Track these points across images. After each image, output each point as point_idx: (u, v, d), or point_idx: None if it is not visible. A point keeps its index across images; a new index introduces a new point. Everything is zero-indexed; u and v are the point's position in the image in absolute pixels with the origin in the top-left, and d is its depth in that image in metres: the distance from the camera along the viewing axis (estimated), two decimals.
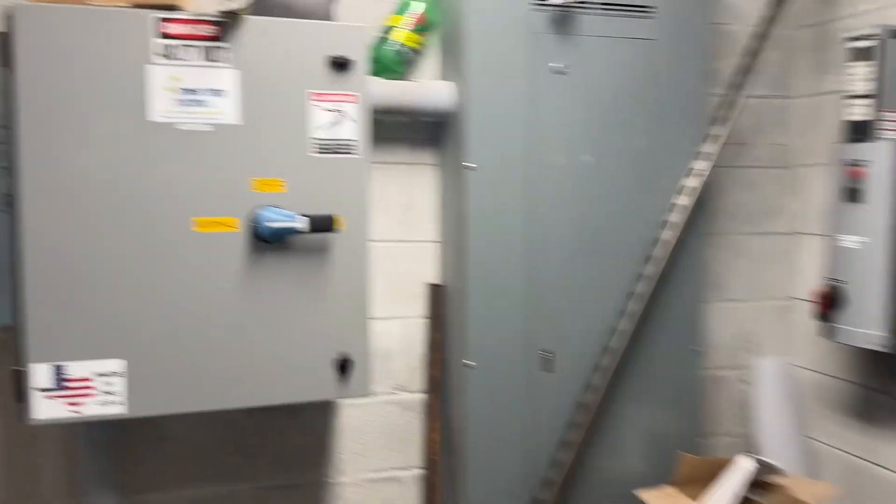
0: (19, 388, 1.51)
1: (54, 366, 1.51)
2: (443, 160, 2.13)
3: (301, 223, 1.57)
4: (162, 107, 1.54)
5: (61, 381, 1.51)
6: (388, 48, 1.99)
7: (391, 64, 2.00)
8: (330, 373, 1.67)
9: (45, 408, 1.51)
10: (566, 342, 2.03)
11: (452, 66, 2.04)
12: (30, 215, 1.47)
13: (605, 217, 2.06)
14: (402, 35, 2.00)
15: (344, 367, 1.67)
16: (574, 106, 2.00)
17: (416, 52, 2.04)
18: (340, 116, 1.64)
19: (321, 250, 1.65)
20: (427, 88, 2.01)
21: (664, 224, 2.07)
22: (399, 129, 2.12)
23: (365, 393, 1.73)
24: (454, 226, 2.05)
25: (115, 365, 1.54)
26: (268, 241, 1.60)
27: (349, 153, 1.66)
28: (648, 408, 2.12)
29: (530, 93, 1.96)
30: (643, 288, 2.04)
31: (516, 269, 2.00)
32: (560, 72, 1.97)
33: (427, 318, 2.17)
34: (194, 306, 1.58)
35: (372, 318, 2.03)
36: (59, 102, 1.48)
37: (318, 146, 1.63)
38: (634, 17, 2.02)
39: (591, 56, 2.00)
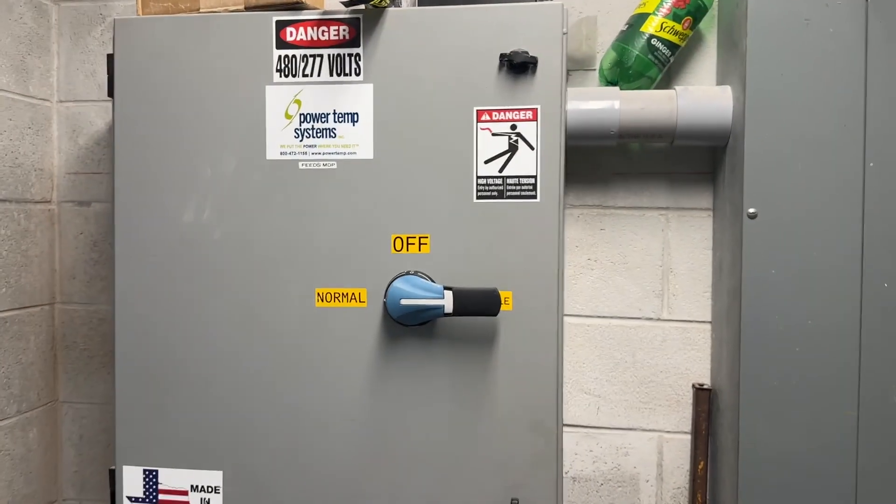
0: (112, 492, 1.22)
1: (146, 471, 1.20)
2: (719, 203, 1.45)
3: (447, 301, 1.06)
4: (281, 140, 1.15)
5: (153, 491, 1.19)
6: (634, 45, 1.40)
7: (639, 65, 1.40)
8: None
9: None
10: None
11: (733, 64, 1.37)
12: (123, 284, 1.18)
13: None
14: (655, 24, 1.39)
15: None
16: None
17: (674, 48, 1.41)
18: (515, 142, 1.10)
19: (484, 337, 1.12)
20: (688, 98, 1.36)
21: None
22: (654, 159, 1.50)
23: None
24: (728, 301, 1.36)
25: (214, 478, 1.18)
26: (403, 323, 1.12)
27: (526, 196, 1.10)
28: None
29: (862, 90, 1.21)
30: None
31: (828, 378, 1.24)
32: None
33: (691, 435, 1.49)
34: (310, 410, 1.16)
35: (606, 429, 1.45)
36: (160, 139, 1.17)
37: (480, 187, 1.11)
38: None
39: None
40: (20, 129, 1.56)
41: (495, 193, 1.10)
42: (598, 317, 1.51)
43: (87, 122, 1.66)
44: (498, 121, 1.10)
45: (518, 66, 1.08)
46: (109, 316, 1.66)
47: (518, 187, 1.10)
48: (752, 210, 1.26)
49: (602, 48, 1.49)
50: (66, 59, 1.66)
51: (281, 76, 1.14)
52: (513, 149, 1.10)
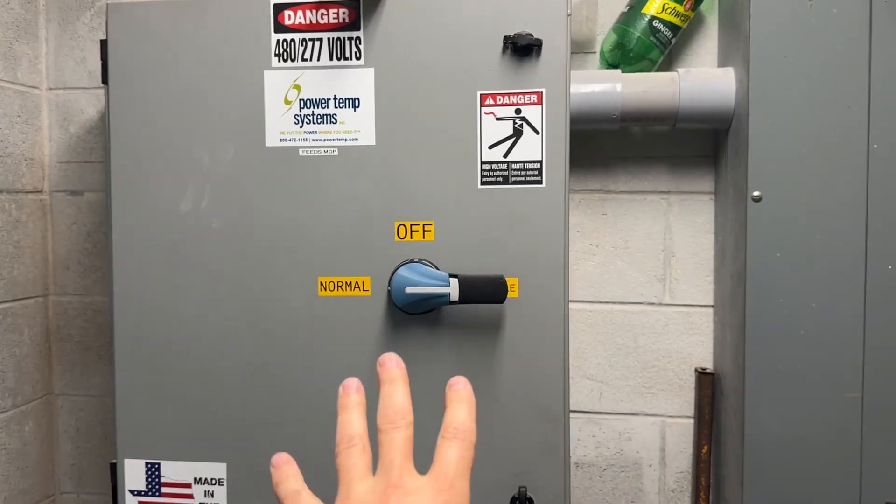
0: (114, 486, 1.21)
1: (149, 464, 1.18)
2: (721, 186, 1.44)
3: (452, 289, 1.04)
4: (281, 126, 1.13)
5: (157, 484, 1.18)
6: (636, 26, 1.38)
7: (641, 48, 1.38)
8: None
9: None
10: None
11: (735, 45, 1.36)
12: (120, 275, 1.16)
13: None
14: (657, 5, 1.38)
15: None
16: None
17: (675, 29, 1.39)
18: (520, 126, 1.08)
19: (490, 325, 1.11)
20: (690, 80, 1.35)
21: None
22: (655, 142, 1.49)
23: None
24: (731, 285, 1.35)
25: (218, 470, 1.16)
26: (407, 311, 1.10)
27: (532, 181, 1.09)
28: None
29: (866, 71, 1.20)
30: None
31: (833, 360, 1.24)
32: None
33: (694, 419, 1.49)
34: (314, 401, 1.14)
35: (608, 414, 1.45)
36: (156, 127, 1.15)
37: (485, 173, 1.09)
38: None
39: None
40: (9, 118, 1.52)
41: (500, 179, 1.09)
42: (600, 302, 1.50)
43: (78, 109, 1.63)
44: (502, 105, 1.08)
45: (522, 48, 1.06)
46: (105, 307, 1.64)
47: (523, 172, 1.08)
48: (756, 193, 1.25)
49: (602, 30, 1.47)
50: (55, 45, 1.63)
51: (279, 61, 1.12)
52: (517, 133, 1.08)
